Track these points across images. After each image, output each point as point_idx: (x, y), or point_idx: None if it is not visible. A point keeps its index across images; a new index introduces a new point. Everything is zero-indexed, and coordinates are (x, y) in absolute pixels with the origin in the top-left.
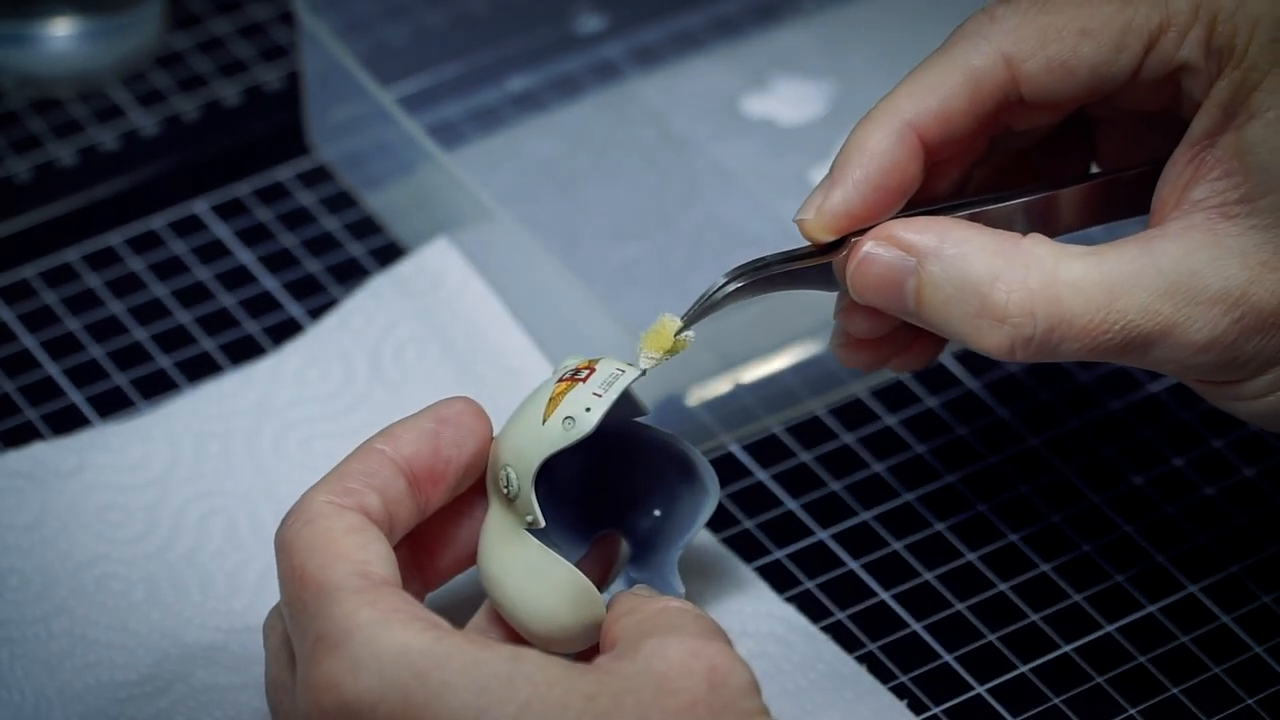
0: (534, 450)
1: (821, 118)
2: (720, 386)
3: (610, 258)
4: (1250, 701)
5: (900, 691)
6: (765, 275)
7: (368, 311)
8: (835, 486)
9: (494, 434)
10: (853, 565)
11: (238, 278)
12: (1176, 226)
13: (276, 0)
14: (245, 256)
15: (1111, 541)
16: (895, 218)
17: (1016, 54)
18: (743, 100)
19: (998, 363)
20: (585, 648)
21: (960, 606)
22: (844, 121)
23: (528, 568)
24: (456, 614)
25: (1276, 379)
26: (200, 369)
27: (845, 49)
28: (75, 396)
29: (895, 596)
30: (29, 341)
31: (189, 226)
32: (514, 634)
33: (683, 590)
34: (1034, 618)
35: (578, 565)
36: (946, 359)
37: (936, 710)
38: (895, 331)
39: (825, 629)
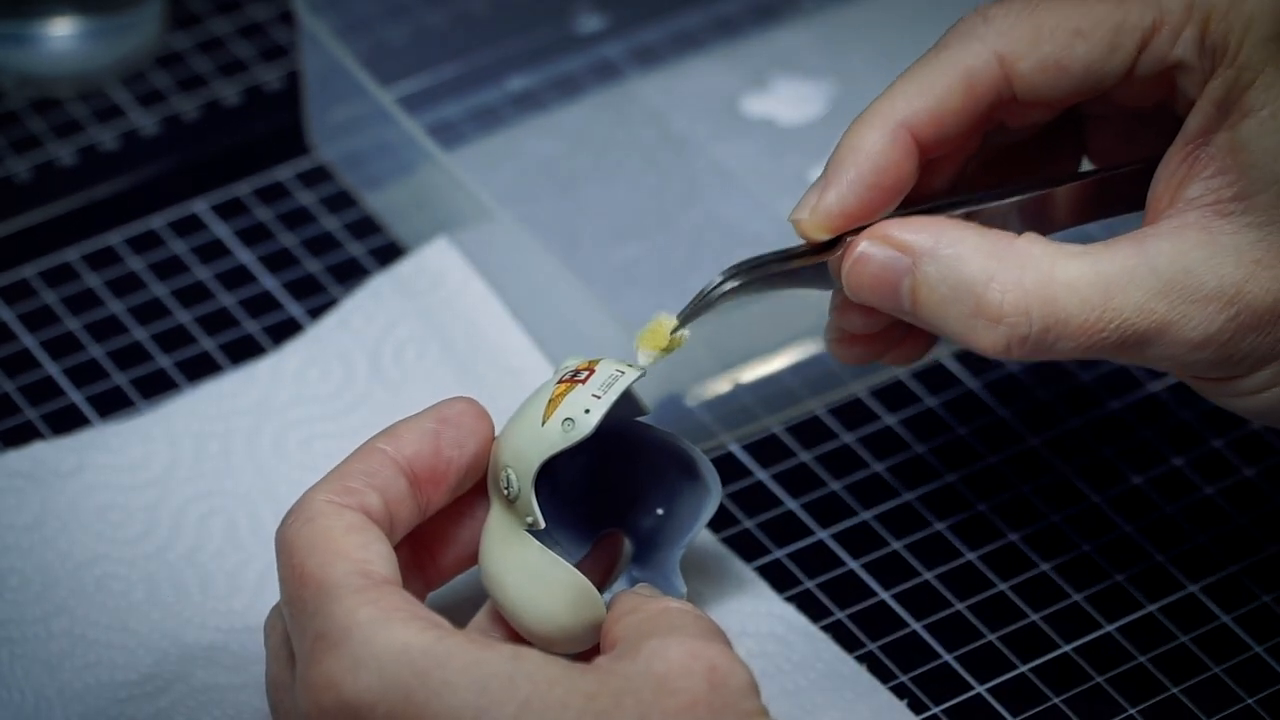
0: (534, 451)
1: (821, 118)
2: (720, 386)
3: (610, 258)
4: (1250, 701)
5: (900, 691)
6: (761, 274)
7: (368, 311)
8: (835, 486)
9: (495, 434)
10: (853, 565)
11: (238, 277)
12: (1171, 225)
13: (276, 0)
14: (245, 256)
15: (1111, 541)
16: (890, 216)
17: (1010, 53)
18: (743, 100)
19: (998, 362)
20: (586, 648)
21: (960, 606)
22: (844, 121)
23: (528, 569)
24: (458, 614)
25: (1273, 375)
26: (200, 369)
27: (845, 49)
28: (75, 396)
29: (895, 596)
30: (29, 341)
31: (189, 226)
32: (516, 634)
33: (684, 590)
34: (1034, 617)
35: (580, 565)
36: (946, 359)
37: (936, 710)
38: (890, 327)
39: (825, 628)
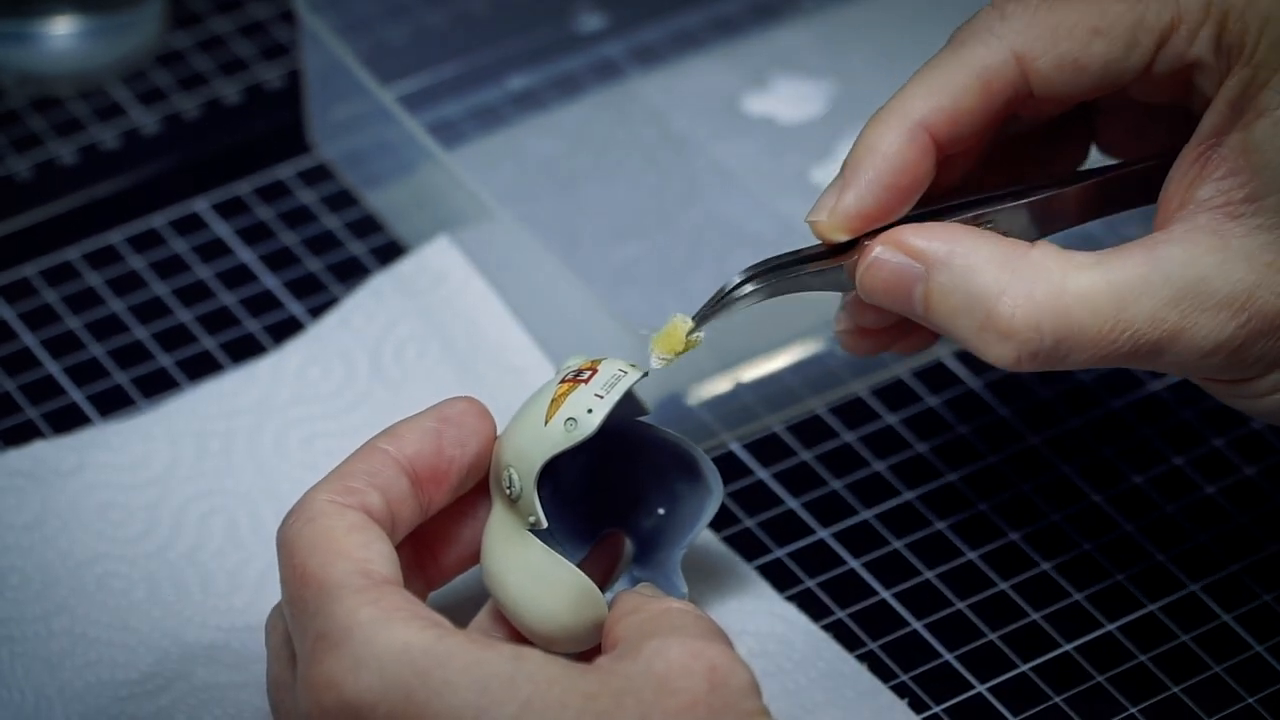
0: (536, 451)
1: (821, 117)
2: (721, 385)
3: (610, 257)
4: (1251, 700)
5: (901, 690)
6: (779, 277)
7: (368, 310)
8: (836, 485)
9: (497, 434)
10: (853, 564)
11: (238, 276)
12: (1182, 229)
13: None
14: (246, 255)
15: (1112, 540)
16: (907, 217)
17: (1028, 52)
18: (743, 99)
19: None
20: (587, 648)
21: (961, 605)
22: (844, 120)
23: (530, 568)
24: (459, 613)
25: None
26: (201, 367)
27: (845, 48)
28: (76, 395)
29: (896, 595)
30: (30, 340)
31: (190, 225)
32: (517, 633)
33: (686, 590)
34: (1035, 616)
35: (581, 565)
36: (947, 358)
37: (937, 709)
38: (901, 320)
39: (826, 627)
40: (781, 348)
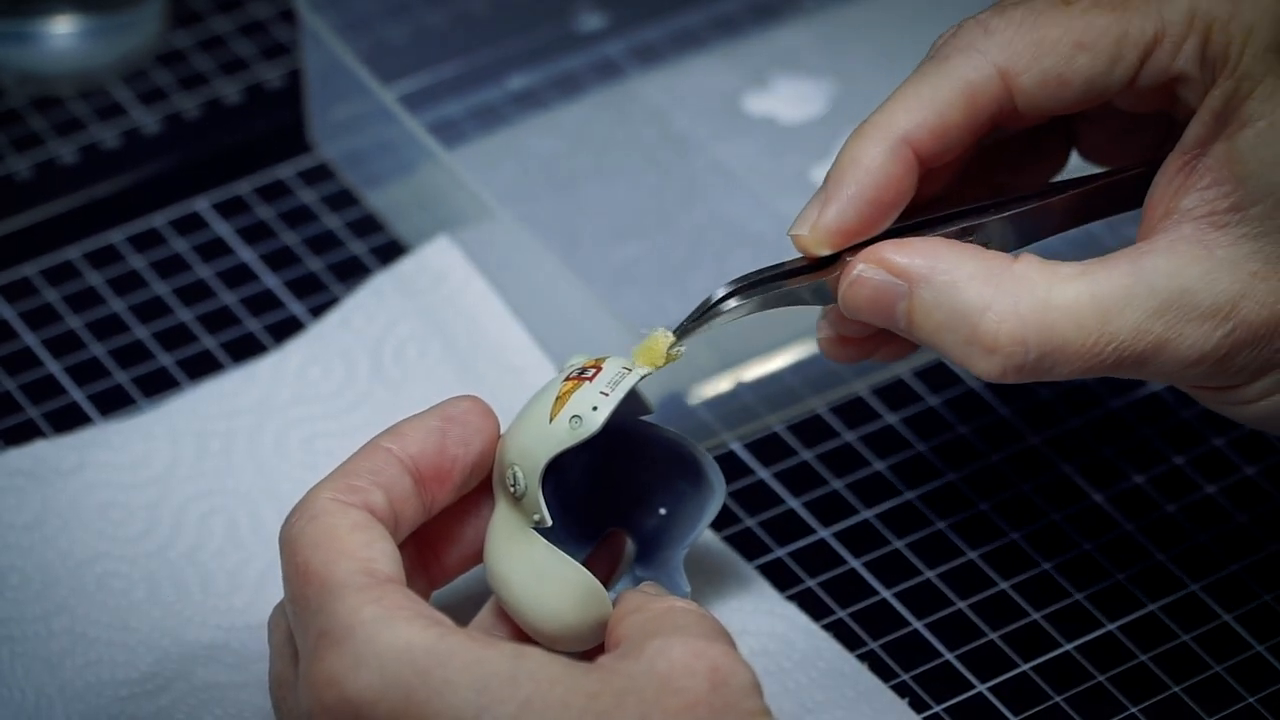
0: (540, 449)
1: (822, 116)
2: (721, 385)
3: (611, 256)
4: (1251, 700)
5: (901, 690)
6: (760, 292)
7: (369, 310)
8: (836, 485)
9: (500, 432)
10: (854, 564)
11: (239, 276)
12: (1166, 239)
13: None
14: (246, 254)
15: (1112, 540)
16: (889, 231)
17: (1011, 67)
18: (743, 99)
19: None
20: (591, 646)
21: (961, 605)
22: (844, 120)
23: (534, 566)
24: (462, 612)
25: (1270, 384)
26: (201, 367)
27: (846, 48)
28: (76, 394)
29: (896, 595)
30: (30, 339)
31: (190, 224)
32: (520, 632)
33: (688, 589)
34: (1035, 616)
35: (583, 564)
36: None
37: (938, 709)
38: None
39: (826, 627)
40: (782, 347)
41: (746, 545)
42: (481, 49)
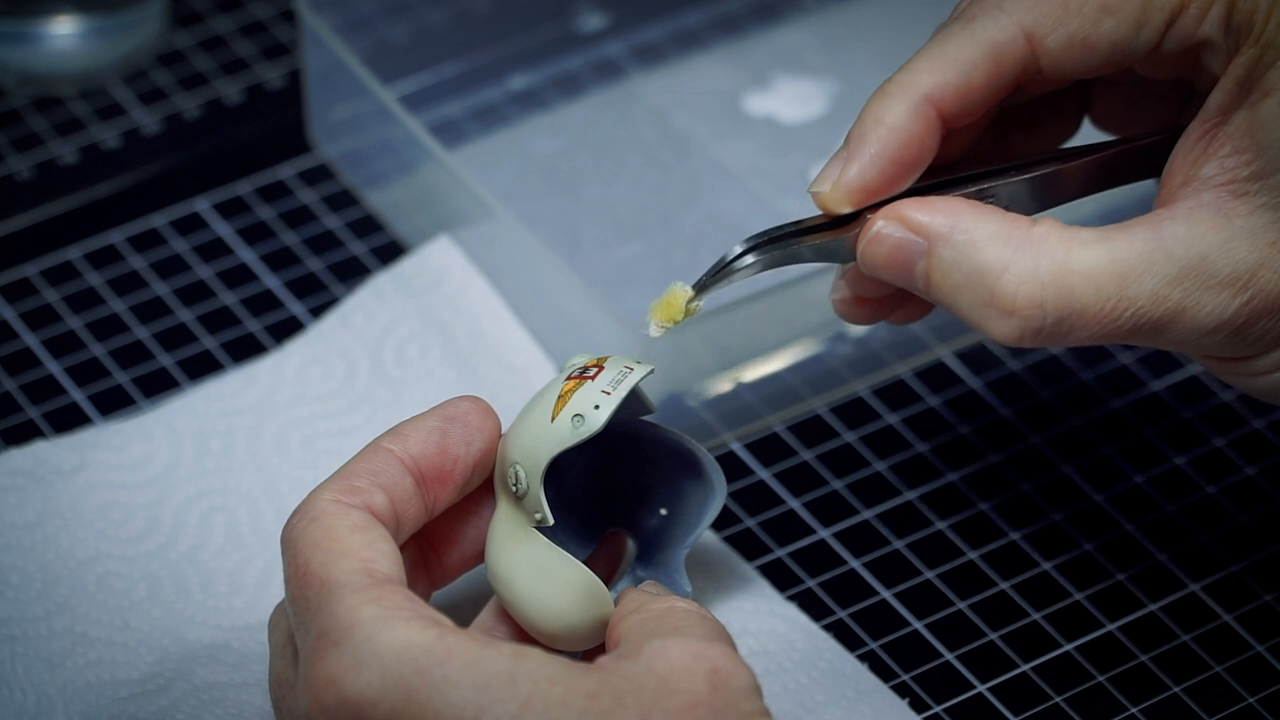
0: (543, 448)
1: (823, 116)
2: (721, 385)
3: (611, 256)
4: (1251, 700)
5: (901, 690)
6: (780, 248)
7: (369, 310)
8: (836, 485)
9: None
10: (854, 564)
11: (239, 276)
12: (1185, 206)
13: None
14: (246, 255)
15: (1113, 540)
16: (909, 190)
17: (1037, 29)
18: (744, 99)
19: (999, 361)
20: (593, 646)
21: (961, 605)
22: (845, 120)
23: (537, 566)
24: (462, 612)
25: None
26: (201, 367)
27: (846, 48)
28: (76, 395)
29: (896, 595)
30: (30, 340)
31: (190, 225)
32: (521, 631)
33: (690, 588)
34: (1035, 616)
35: (584, 564)
36: (947, 358)
37: (938, 709)
38: (898, 289)
39: (826, 627)
40: (782, 348)
41: (746, 545)
42: (481, 49)
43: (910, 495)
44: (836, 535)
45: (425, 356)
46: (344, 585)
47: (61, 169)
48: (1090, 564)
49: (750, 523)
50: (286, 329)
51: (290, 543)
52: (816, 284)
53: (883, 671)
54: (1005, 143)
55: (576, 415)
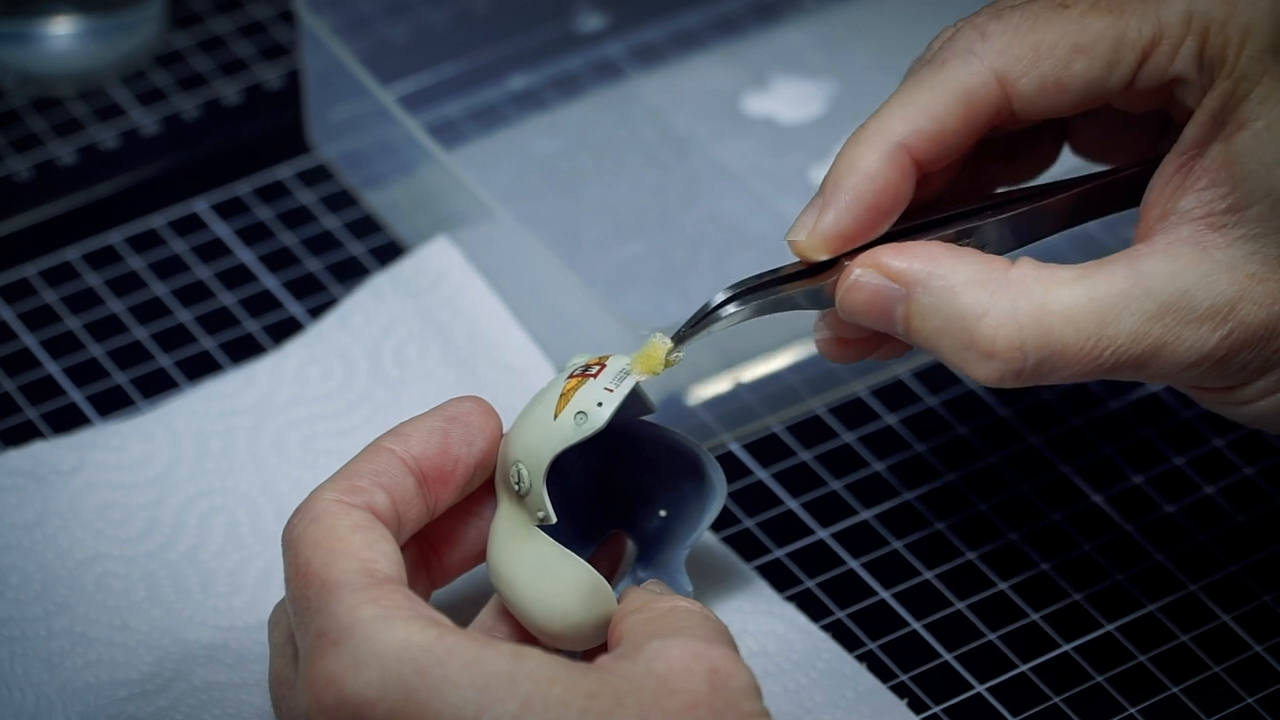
0: (546, 446)
1: (822, 116)
2: (720, 385)
3: (611, 256)
4: (1250, 700)
5: (900, 690)
6: (759, 298)
7: (368, 310)
8: (835, 485)
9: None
10: (853, 564)
11: (238, 276)
12: (1163, 241)
13: None
14: (245, 255)
15: (1111, 540)
16: (887, 234)
17: (1009, 73)
18: (743, 99)
19: None
20: (595, 645)
21: (960, 605)
22: (844, 120)
23: (540, 564)
24: (461, 612)
25: (1269, 384)
26: (200, 368)
27: (845, 48)
28: (75, 395)
29: (895, 595)
30: (29, 340)
31: (189, 225)
32: (521, 630)
33: (690, 588)
34: (1034, 617)
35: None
36: None
37: (936, 709)
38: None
39: (825, 628)
40: (781, 348)
41: (745, 546)
42: (481, 49)
43: (909, 496)
44: (835, 535)
45: (424, 357)
46: (344, 585)
47: (60, 169)
48: (1089, 564)
49: (749, 523)
50: (285, 329)
51: (291, 542)
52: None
53: (881, 672)
54: (984, 177)
55: (579, 413)
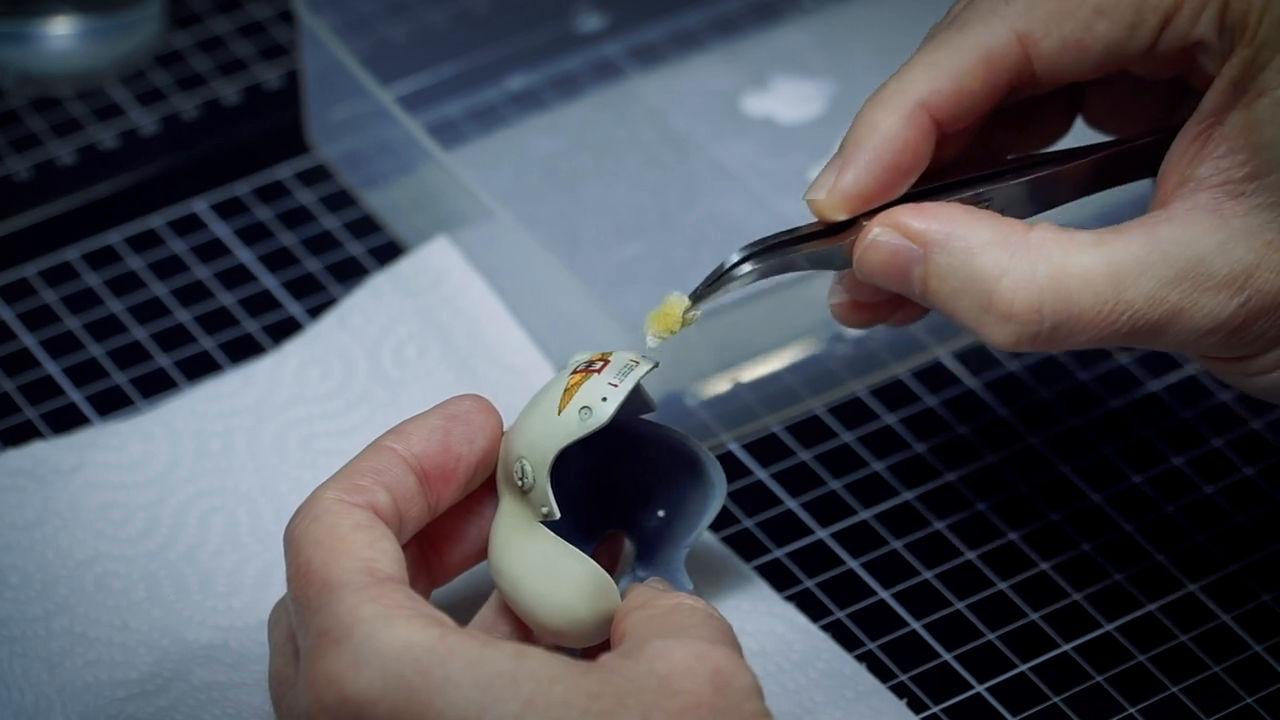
0: (550, 442)
1: (821, 117)
2: (720, 385)
3: (610, 256)
4: (1250, 700)
5: (900, 690)
6: (776, 256)
7: (367, 310)
8: (835, 485)
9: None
10: (852, 564)
11: (237, 276)
12: (1182, 208)
13: None
14: (245, 255)
15: (1111, 540)
16: (905, 196)
17: (1031, 33)
18: (743, 99)
19: (997, 361)
20: (597, 642)
21: (960, 605)
22: (843, 120)
23: (544, 561)
24: (460, 611)
25: None
26: (200, 368)
27: (845, 48)
28: (75, 395)
29: (895, 595)
30: (29, 340)
31: (188, 225)
32: (522, 628)
33: (691, 587)
34: (1033, 616)
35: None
36: (946, 358)
37: (936, 709)
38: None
39: (825, 627)
40: (781, 348)
41: (745, 546)
42: (481, 49)
43: (908, 495)
44: (835, 535)
45: (424, 357)
46: (345, 584)
47: (60, 169)
48: (1088, 564)
49: (748, 523)
50: (285, 329)
51: (292, 541)
52: (814, 285)
53: (881, 672)
54: (997, 144)
55: (584, 408)
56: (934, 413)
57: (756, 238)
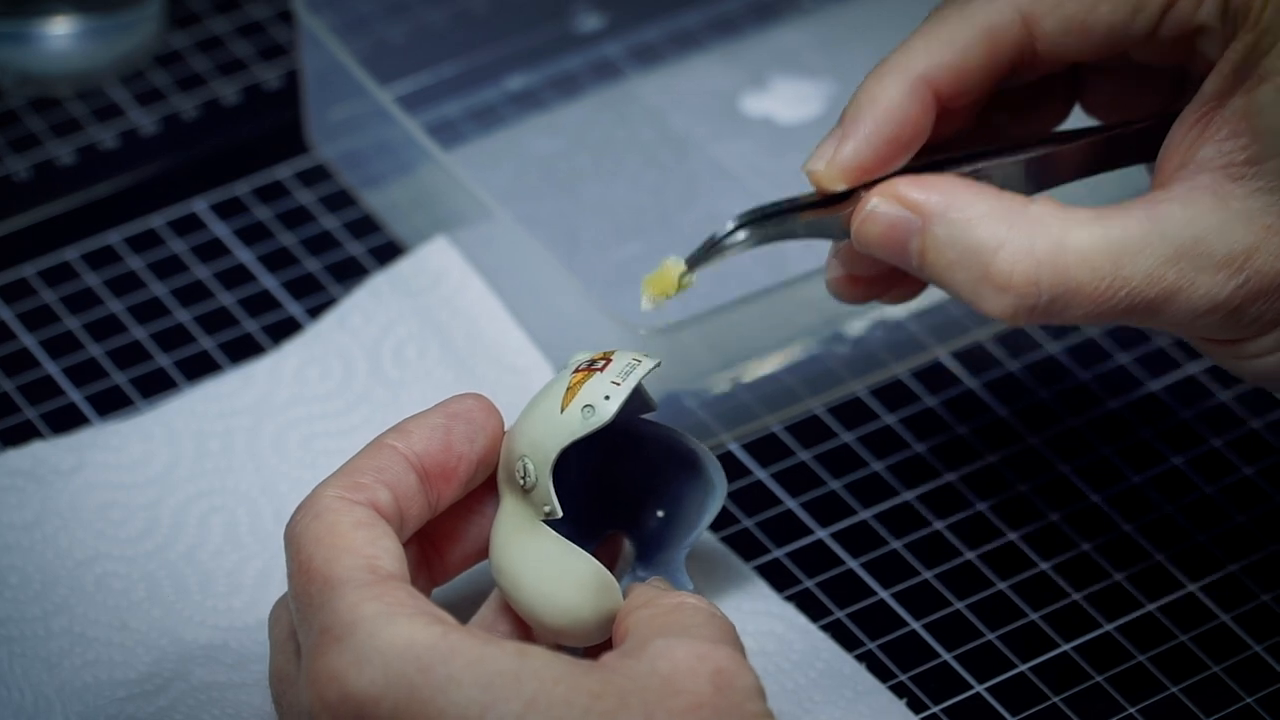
0: (552, 440)
1: (820, 117)
2: (719, 385)
3: (610, 256)
4: (1250, 700)
5: (899, 690)
6: (773, 225)
7: (367, 310)
8: (834, 485)
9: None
10: (852, 564)
11: (237, 276)
12: (1182, 188)
13: None
14: (244, 255)
15: (1111, 540)
16: (903, 169)
17: (1034, 12)
18: (742, 99)
19: (997, 362)
20: (599, 641)
21: (959, 605)
22: None
23: (545, 559)
24: (460, 610)
25: (1279, 339)
26: (199, 368)
27: (844, 48)
28: (74, 395)
29: (894, 595)
30: (28, 340)
31: (188, 225)
32: (523, 627)
33: (691, 587)
34: (1033, 616)
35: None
36: (946, 358)
37: (936, 709)
38: (892, 267)
39: (824, 627)
40: (780, 348)
41: (744, 546)
42: (479, 49)
43: (908, 495)
44: (834, 535)
45: (423, 357)
46: (347, 582)
47: (59, 169)
48: (1088, 564)
49: (748, 523)
50: (284, 329)
51: (294, 539)
52: (814, 285)
53: (881, 672)
54: (995, 129)
55: (587, 406)
56: (934, 413)
57: (750, 205)
